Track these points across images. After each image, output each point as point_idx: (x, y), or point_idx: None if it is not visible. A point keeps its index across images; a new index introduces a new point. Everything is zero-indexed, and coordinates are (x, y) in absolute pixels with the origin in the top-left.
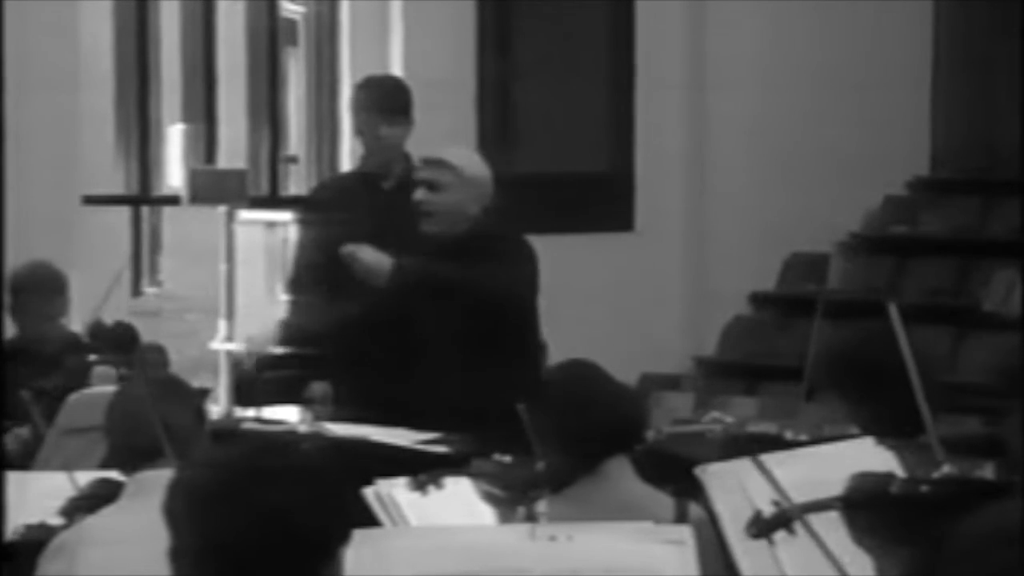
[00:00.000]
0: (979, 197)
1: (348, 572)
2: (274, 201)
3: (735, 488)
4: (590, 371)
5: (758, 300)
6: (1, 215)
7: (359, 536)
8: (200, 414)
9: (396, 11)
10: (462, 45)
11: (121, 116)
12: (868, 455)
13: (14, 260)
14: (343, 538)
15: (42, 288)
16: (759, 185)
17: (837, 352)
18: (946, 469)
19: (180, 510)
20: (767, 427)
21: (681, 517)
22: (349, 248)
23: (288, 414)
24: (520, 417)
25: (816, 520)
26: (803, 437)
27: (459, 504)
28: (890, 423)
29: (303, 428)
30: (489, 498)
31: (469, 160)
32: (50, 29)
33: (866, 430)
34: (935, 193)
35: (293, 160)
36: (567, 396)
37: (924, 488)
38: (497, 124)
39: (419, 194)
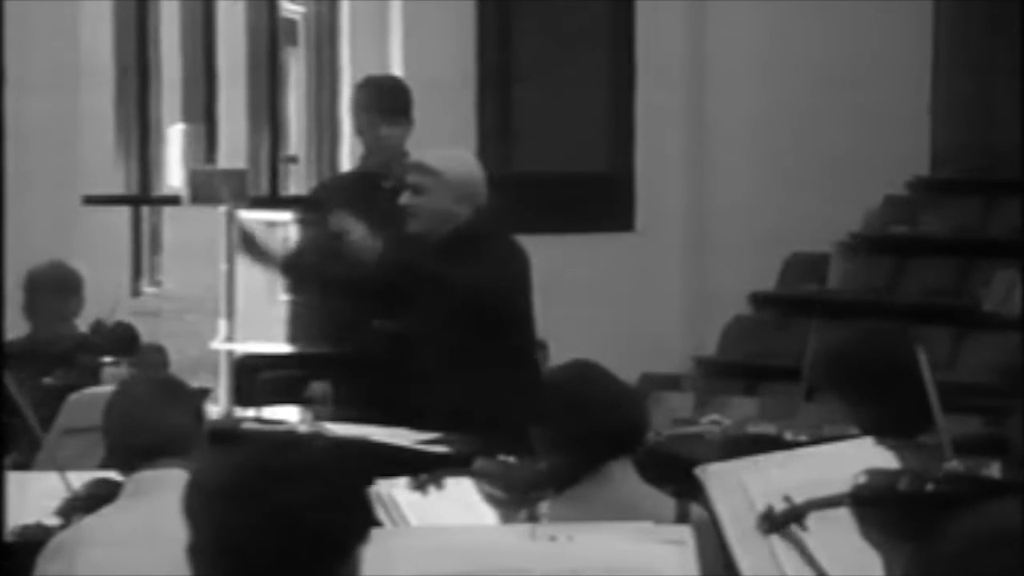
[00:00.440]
0: (979, 197)
1: None
2: (274, 201)
3: (735, 488)
4: (593, 372)
5: (758, 300)
6: (1, 215)
7: None
8: (199, 414)
9: (396, 11)
10: (462, 45)
11: (121, 116)
12: (868, 455)
13: (14, 260)
14: (361, 537)
15: (57, 288)
16: (759, 185)
17: (837, 352)
18: (954, 464)
19: (198, 508)
20: (766, 428)
21: (683, 518)
22: (339, 221)
23: (288, 414)
24: (518, 417)
25: (819, 519)
26: (803, 438)
27: (459, 504)
28: (890, 423)
29: (303, 428)
30: (490, 499)
31: (452, 162)
32: (50, 29)
33: (866, 430)
34: (935, 193)
35: (293, 160)
36: (569, 397)
37: (931, 485)
38: (497, 124)
39: (404, 197)
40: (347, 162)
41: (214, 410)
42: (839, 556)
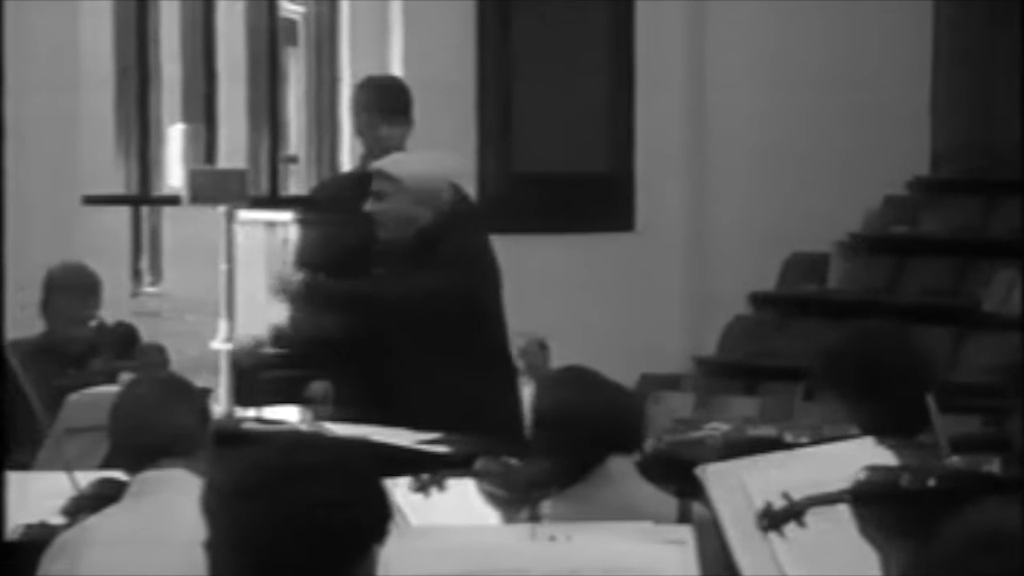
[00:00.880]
0: (979, 197)
1: None
2: (274, 201)
3: (735, 488)
4: (586, 375)
5: (758, 300)
6: (1, 215)
7: None
8: (205, 414)
9: (396, 11)
10: (462, 45)
11: (121, 116)
12: (868, 455)
13: (14, 260)
14: (379, 535)
15: (75, 289)
16: (759, 185)
17: (836, 352)
18: (954, 461)
19: (216, 507)
20: (766, 430)
21: (684, 518)
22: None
23: (288, 414)
24: (499, 415)
25: (816, 517)
26: (803, 439)
27: (459, 505)
28: (889, 422)
29: (303, 428)
30: (491, 499)
31: (410, 166)
32: (50, 29)
33: (865, 430)
34: (935, 193)
35: (293, 160)
36: (564, 399)
37: (932, 482)
38: (497, 124)
39: (369, 204)
40: (347, 162)
41: (214, 410)
42: (838, 554)
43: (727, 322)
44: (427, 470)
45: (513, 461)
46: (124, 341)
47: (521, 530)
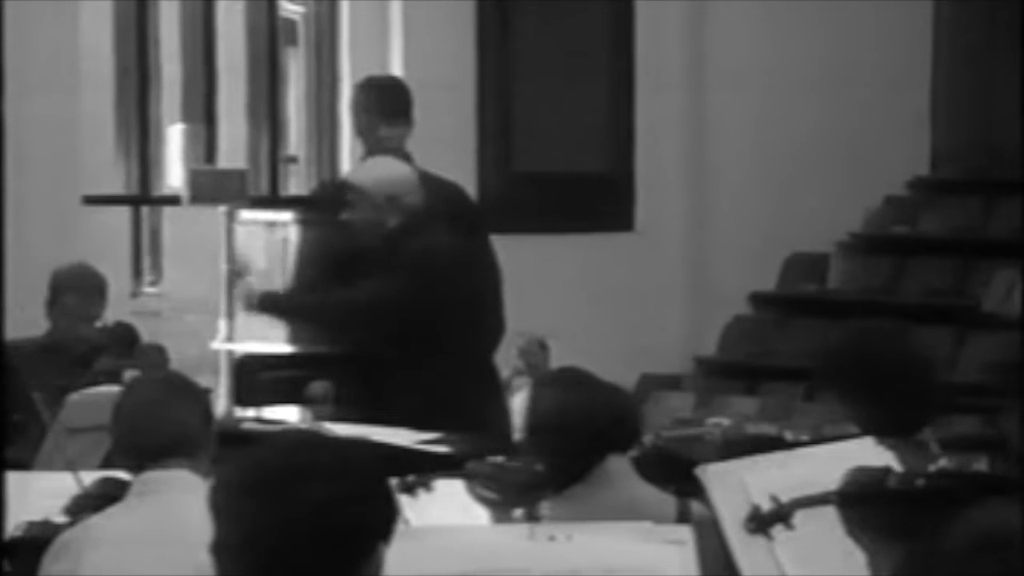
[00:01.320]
0: (979, 197)
1: None
2: (274, 201)
3: (736, 488)
4: (581, 376)
5: (758, 300)
6: (1, 215)
7: None
8: (208, 414)
9: (396, 11)
10: (462, 45)
11: (121, 116)
12: (868, 454)
13: (14, 260)
14: (385, 534)
15: (82, 290)
16: (759, 185)
17: (835, 352)
18: (942, 463)
19: (223, 505)
20: (766, 428)
21: (684, 517)
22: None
23: (288, 414)
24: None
25: (815, 517)
26: (803, 438)
27: (458, 505)
28: (888, 421)
29: (303, 428)
30: (483, 500)
31: (372, 173)
32: (50, 29)
33: (865, 429)
34: (935, 193)
35: (293, 160)
36: (560, 401)
37: (920, 482)
38: (497, 124)
39: (343, 214)
40: (347, 162)
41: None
42: (838, 553)
43: (727, 322)
44: (427, 470)
45: (503, 461)
46: (126, 341)
47: (521, 530)
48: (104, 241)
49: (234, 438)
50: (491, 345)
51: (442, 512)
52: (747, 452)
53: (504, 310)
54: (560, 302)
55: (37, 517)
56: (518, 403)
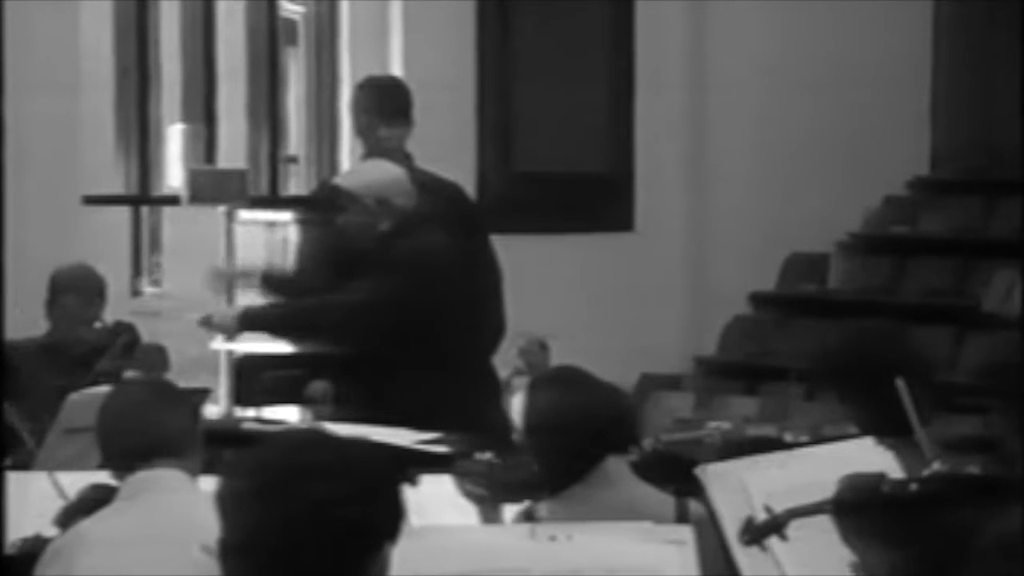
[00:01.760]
0: (979, 197)
1: None
2: (274, 201)
3: (736, 488)
4: (579, 375)
5: (758, 300)
6: (1, 215)
7: None
8: (195, 415)
9: (396, 11)
10: (462, 45)
11: (121, 116)
12: (868, 455)
13: (14, 260)
14: (392, 533)
15: (82, 291)
16: (759, 185)
17: (832, 351)
18: (936, 467)
19: (230, 504)
20: (766, 430)
21: (683, 517)
22: (204, 318)
23: (288, 414)
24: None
25: (816, 517)
26: (803, 439)
27: (457, 504)
28: (886, 421)
29: (310, 427)
30: (472, 498)
31: (363, 178)
32: (50, 29)
33: (864, 429)
34: (935, 193)
35: (293, 160)
36: (559, 401)
37: (914, 487)
38: (497, 124)
39: (339, 219)
40: (347, 162)
41: (214, 410)
42: (838, 554)
43: (727, 322)
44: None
45: (493, 459)
46: (126, 341)
47: (521, 530)
48: (104, 241)
49: (234, 438)
50: (491, 345)
51: (432, 508)
52: (747, 454)
53: (504, 310)
54: (560, 302)
55: (37, 518)
56: (517, 403)
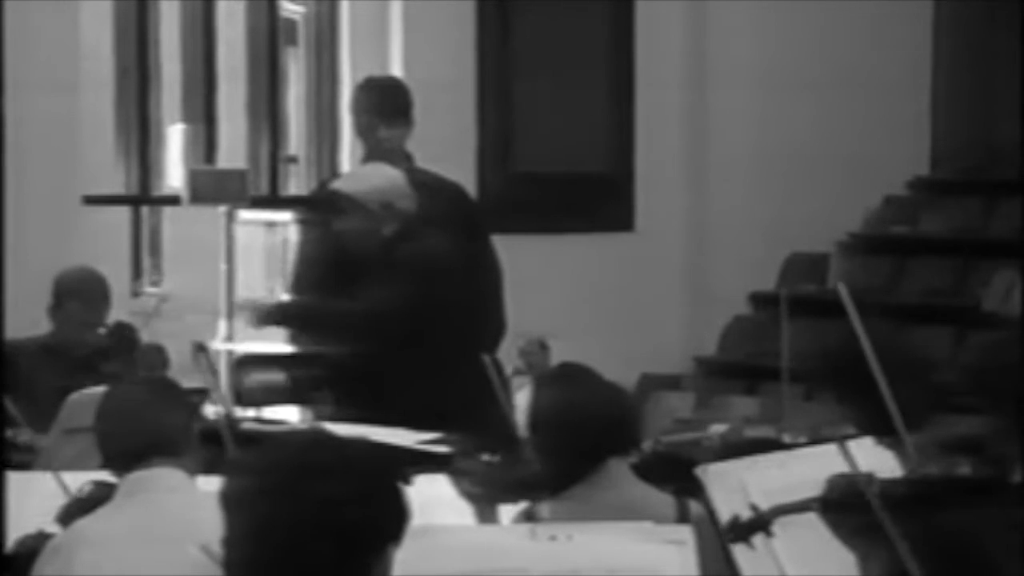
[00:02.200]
0: (979, 197)
1: None
2: (274, 201)
3: (735, 488)
4: (580, 373)
5: (758, 300)
6: (1, 215)
7: None
8: (193, 413)
9: (396, 11)
10: (462, 45)
11: (121, 116)
12: (867, 454)
13: (14, 260)
14: (396, 534)
15: (85, 296)
16: (759, 185)
17: (833, 352)
18: (924, 468)
19: (235, 502)
20: (764, 431)
21: (683, 518)
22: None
23: (288, 414)
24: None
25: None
26: (801, 440)
27: (455, 503)
28: (887, 421)
29: (314, 427)
30: (468, 497)
31: (364, 182)
32: (50, 29)
33: (862, 429)
34: (935, 193)
35: (293, 160)
36: (561, 397)
37: (902, 487)
38: (497, 124)
39: (336, 223)
40: (347, 162)
41: (214, 410)
42: (837, 553)
43: (727, 322)
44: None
45: (491, 458)
46: (127, 343)
47: (521, 530)
48: (104, 241)
49: (234, 438)
50: (492, 345)
51: (432, 508)
52: (745, 455)
53: (505, 310)
54: (560, 302)
55: (38, 518)
56: (521, 401)
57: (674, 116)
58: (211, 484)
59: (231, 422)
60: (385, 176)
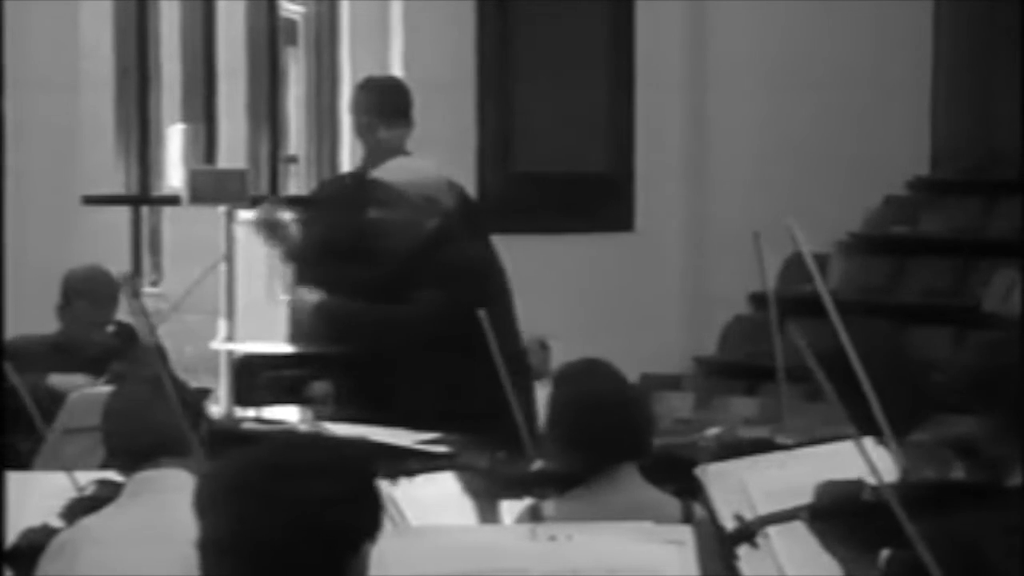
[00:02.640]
0: (979, 197)
1: None
2: (274, 201)
3: (735, 488)
4: (603, 370)
5: (758, 300)
6: (1, 215)
7: None
8: (199, 413)
9: (396, 11)
10: (462, 45)
11: (121, 116)
12: (867, 454)
13: (14, 260)
14: (372, 534)
15: (94, 295)
16: (759, 185)
17: (833, 352)
18: (919, 472)
19: (209, 504)
20: (760, 432)
21: (688, 519)
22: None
23: (288, 414)
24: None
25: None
26: (798, 441)
27: (455, 502)
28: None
29: (303, 428)
30: (472, 492)
31: (409, 174)
32: (50, 29)
33: (861, 430)
34: (935, 193)
35: (293, 160)
36: (578, 398)
37: (894, 493)
38: (497, 124)
39: (372, 213)
40: (347, 162)
41: (214, 410)
42: (826, 556)
43: (727, 322)
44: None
45: (497, 455)
46: (130, 343)
47: (521, 530)
48: (104, 241)
49: (234, 438)
50: (512, 347)
51: (432, 508)
52: (744, 455)
53: (515, 311)
54: (560, 302)
55: (39, 517)
56: (540, 395)
57: (674, 116)
58: None
59: (231, 422)
60: (426, 170)
